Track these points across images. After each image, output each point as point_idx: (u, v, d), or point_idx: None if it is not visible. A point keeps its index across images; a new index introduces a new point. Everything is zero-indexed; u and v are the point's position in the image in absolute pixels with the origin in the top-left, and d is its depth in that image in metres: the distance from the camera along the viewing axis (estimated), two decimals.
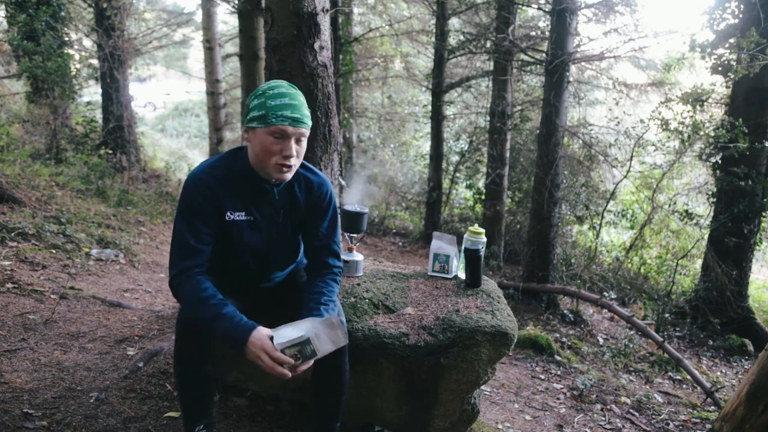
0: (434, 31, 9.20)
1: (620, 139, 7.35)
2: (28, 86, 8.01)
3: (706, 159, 6.92)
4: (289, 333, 1.53)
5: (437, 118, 9.24)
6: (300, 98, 1.66)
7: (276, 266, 1.90)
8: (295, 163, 1.67)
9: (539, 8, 7.62)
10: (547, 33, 7.10)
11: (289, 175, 1.68)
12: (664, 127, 6.52)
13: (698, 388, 4.56)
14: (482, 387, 2.55)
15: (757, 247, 6.95)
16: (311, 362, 1.57)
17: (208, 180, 1.67)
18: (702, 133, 6.50)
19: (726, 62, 6.70)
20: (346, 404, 1.87)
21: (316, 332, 1.54)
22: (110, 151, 8.29)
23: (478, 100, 10.72)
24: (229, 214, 1.70)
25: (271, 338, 1.52)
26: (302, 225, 1.84)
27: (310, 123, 1.67)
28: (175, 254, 1.66)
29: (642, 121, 6.82)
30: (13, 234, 4.06)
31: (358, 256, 2.31)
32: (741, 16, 6.61)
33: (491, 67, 9.11)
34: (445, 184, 10.21)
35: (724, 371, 5.62)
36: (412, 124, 13.29)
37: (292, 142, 1.62)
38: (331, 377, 1.79)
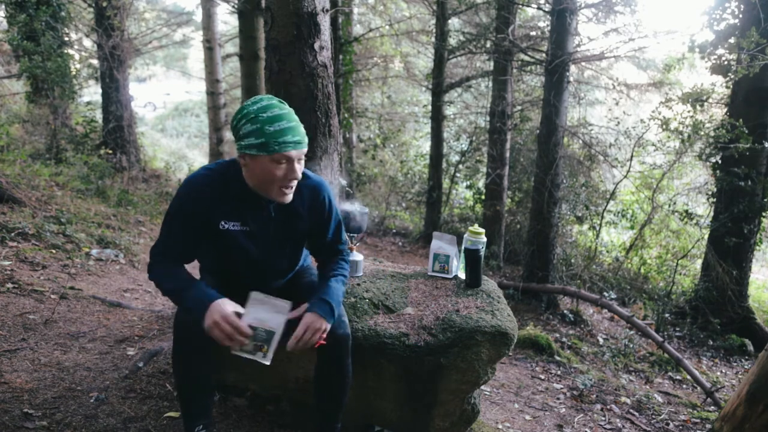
0: (434, 31, 9.20)
1: (620, 139, 7.35)
2: (28, 86, 8.01)
3: (706, 159, 6.92)
4: (264, 317, 1.56)
5: (437, 118, 9.24)
6: (294, 116, 1.61)
7: (274, 276, 1.88)
8: (295, 183, 1.66)
9: (539, 8, 7.62)
10: (547, 33, 7.10)
11: (291, 196, 1.67)
12: (664, 127, 6.52)
13: (698, 388, 4.56)
14: (482, 387, 2.55)
15: (757, 247, 6.95)
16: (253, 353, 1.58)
17: (202, 185, 1.65)
18: (702, 133, 6.50)
19: (726, 62, 6.69)
20: (346, 404, 1.86)
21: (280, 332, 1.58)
22: (110, 151, 8.29)
23: (478, 100, 10.72)
24: (222, 223, 1.68)
25: (238, 314, 1.56)
26: (306, 233, 1.84)
27: (307, 139, 1.65)
28: (157, 246, 1.69)
29: (642, 121, 6.82)
30: (13, 234, 4.06)
31: (358, 256, 2.31)
32: (741, 16, 6.61)
33: (491, 67, 9.11)
34: (445, 184, 10.20)
35: (724, 371, 5.62)
36: (412, 124, 13.28)
37: (295, 163, 1.60)
38: (334, 378, 1.78)
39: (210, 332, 1.52)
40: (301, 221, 1.78)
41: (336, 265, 1.87)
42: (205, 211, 1.65)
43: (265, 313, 1.55)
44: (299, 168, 1.62)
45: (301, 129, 1.61)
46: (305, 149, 1.63)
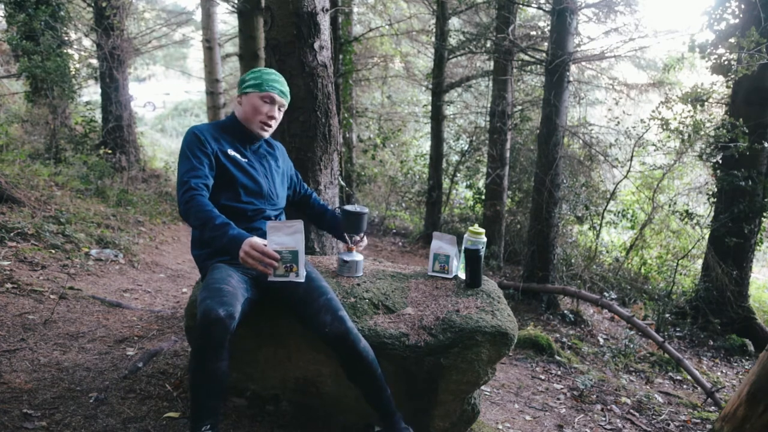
0: (434, 31, 9.18)
1: (620, 139, 7.33)
2: (28, 86, 8.00)
3: (707, 159, 6.91)
4: (283, 240, 1.79)
5: (437, 118, 9.23)
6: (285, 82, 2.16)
7: (273, 197, 2.15)
8: (274, 125, 2.13)
9: (539, 8, 7.61)
10: (547, 33, 7.09)
11: (267, 134, 2.13)
12: (664, 127, 6.51)
13: (699, 388, 4.56)
14: (482, 387, 2.55)
15: (758, 247, 6.94)
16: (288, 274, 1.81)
17: (205, 127, 2.05)
18: (702, 133, 6.49)
19: (726, 62, 6.69)
20: (345, 404, 1.86)
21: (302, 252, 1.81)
22: (109, 151, 8.28)
23: (478, 100, 10.71)
24: (230, 150, 2.06)
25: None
26: (283, 175, 2.26)
27: (290, 98, 2.16)
28: (186, 179, 1.89)
29: (642, 121, 6.81)
30: (12, 234, 4.06)
31: (358, 256, 2.30)
32: (741, 16, 6.61)
33: (491, 67, 9.09)
34: (445, 184, 10.19)
35: (724, 371, 5.61)
36: (412, 124, 13.27)
37: (276, 107, 2.09)
38: (356, 365, 1.85)
39: (244, 262, 1.75)
40: (278, 162, 2.24)
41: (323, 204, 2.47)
42: (214, 142, 2.02)
43: (284, 236, 1.78)
44: (278, 114, 2.11)
45: (287, 88, 2.13)
46: (285, 102, 2.12)
